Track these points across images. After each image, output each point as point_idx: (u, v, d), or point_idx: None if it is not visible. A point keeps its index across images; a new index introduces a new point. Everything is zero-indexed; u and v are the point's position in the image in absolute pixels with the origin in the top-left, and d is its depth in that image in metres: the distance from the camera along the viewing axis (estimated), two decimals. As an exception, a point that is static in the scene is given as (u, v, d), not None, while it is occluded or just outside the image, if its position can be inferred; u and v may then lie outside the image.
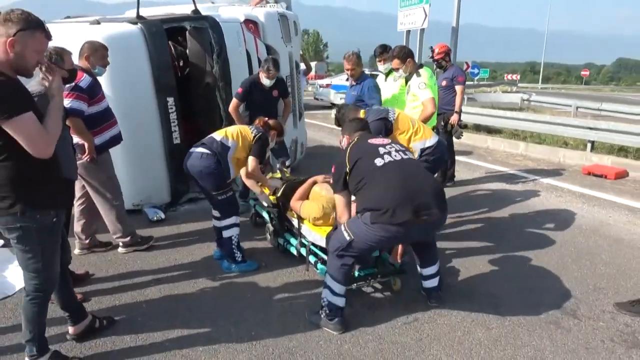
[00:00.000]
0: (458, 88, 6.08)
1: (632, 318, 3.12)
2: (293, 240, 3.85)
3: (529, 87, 40.91)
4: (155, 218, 4.89)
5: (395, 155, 2.89)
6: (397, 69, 4.69)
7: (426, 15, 12.86)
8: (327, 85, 17.24)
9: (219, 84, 5.45)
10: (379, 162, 2.83)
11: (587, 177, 6.97)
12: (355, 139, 3.14)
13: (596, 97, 22.56)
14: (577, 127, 8.35)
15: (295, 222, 3.75)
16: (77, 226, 4.01)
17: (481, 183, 6.68)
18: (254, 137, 3.77)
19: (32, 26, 2.05)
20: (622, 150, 8.16)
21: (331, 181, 3.17)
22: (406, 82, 4.77)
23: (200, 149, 3.66)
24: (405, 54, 4.61)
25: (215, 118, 5.57)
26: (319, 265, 3.44)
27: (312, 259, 3.58)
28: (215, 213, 3.87)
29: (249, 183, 3.91)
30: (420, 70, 4.58)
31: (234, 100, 5.11)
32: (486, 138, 9.87)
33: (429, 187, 2.81)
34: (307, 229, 3.61)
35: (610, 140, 8.03)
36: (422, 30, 13.28)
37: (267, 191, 4.19)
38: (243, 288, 3.51)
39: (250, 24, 5.97)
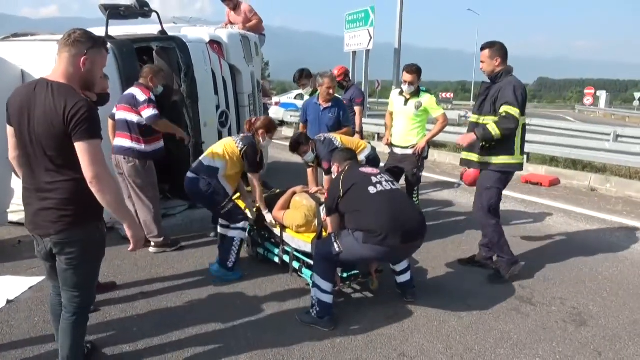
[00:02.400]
0: (357, 109, 6.13)
1: (577, 302, 3.61)
2: (275, 249, 4.06)
3: (463, 105, 43.44)
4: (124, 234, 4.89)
5: (385, 185, 3.20)
6: (409, 84, 4.74)
7: (371, 37, 13.61)
8: (277, 104, 17.59)
9: (187, 102, 5.58)
10: (372, 189, 3.13)
11: (525, 185, 7.70)
12: (347, 168, 3.45)
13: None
14: (513, 141, 9.15)
15: (277, 231, 3.96)
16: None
17: (434, 192, 7.20)
18: (240, 151, 3.90)
19: (99, 44, 2.20)
20: (553, 161, 9.05)
21: (323, 201, 3.57)
22: (406, 101, 4.88)
23: (191, 175, 3.88)
24: (420, 74, 4.79)
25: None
26: (304, 270, 3.69)
27: (295, 264, 3.81)
28: (222, 221, 4.07)
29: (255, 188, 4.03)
30: (424, 94, 4.84)
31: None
32: (432, 152, 10.54)
33: (416, 217, 3.18)
34: (289, 237, 3.84)
35: (543, 152, 8.90)
36: (368, 51, 14.02)
37: (243, 205, 4.36)
38: (231, 297, 3.67)
39: (215, 44, 6.16)
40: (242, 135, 4.09)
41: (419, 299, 3.57)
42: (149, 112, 4.22)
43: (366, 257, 3.20)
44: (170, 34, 5.68)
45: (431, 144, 5.23)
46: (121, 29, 6.33)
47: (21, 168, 2.32)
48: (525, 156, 8.94)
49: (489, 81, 3.91)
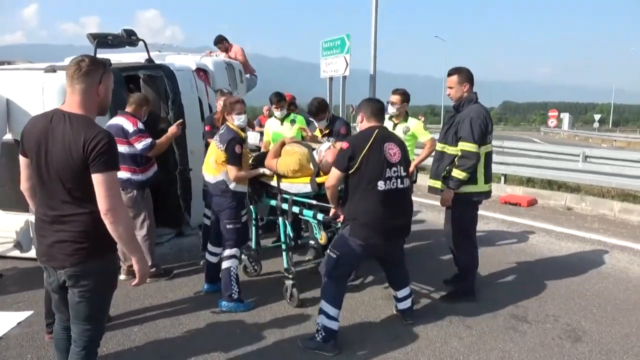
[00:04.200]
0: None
1: (570, 318, 3.72)
2: (273, 202, 4.14)
3: (432, 128, 44.44)
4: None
5: (394, 182, 3.16)
6: (395, 105, 4.87)
7: (347, 64, 13.90)
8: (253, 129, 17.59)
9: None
10: (380, 185, 3.11)
11: (505, 206, 7.92)
12: (376, 134, 3.18)
13: (496, 136, 25.22)
14: (490, 163, 9.44)
15: (273, 182, 4.01)
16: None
17: (421, 214, 7.31)
18: (224, 152, 3.78)
19: (107, 68, 2.21)
20: (530, 181, 9.35)
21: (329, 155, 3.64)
22: (394, 125, 4.97)
23: (214, 194, 3.95)
24: (407, 98, 4.95)
25: (169, 162, 5.65)
26: (305, 212, 3.86)
27: (296, 209, 3.91)
28: (212, 248, 4.07)
29: (241, 180, 3.93)
30: (411, 119, 4.99)
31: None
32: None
33: (406, 219, 3.33)
34: (287, 185, 3.91)
35: (519, 173, 9.19)
36: (344, 77, 14.29)
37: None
38: (230, 325, 3.62)
39: (201, 72, 6.22)
40: (220, 132, 3.95)
41: (419, 320, 3.62)
42: (143, 144, 4.21)
43: (359, 250, 3.19)
44: (156, 61, 5.70)
45: (418, 167, 5.35)
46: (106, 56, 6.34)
47: (34, 199, 2.29)
48: (498, 182, 9.34)
49: (452, 109, 4.02)
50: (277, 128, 5.39)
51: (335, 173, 3.21)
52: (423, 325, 3.57)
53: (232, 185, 3.81)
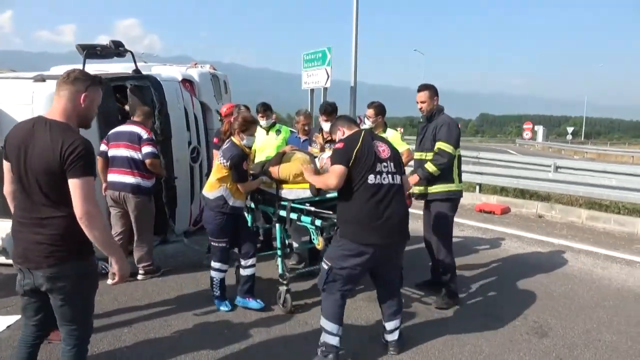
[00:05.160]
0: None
1: (538, 316, 3.98)
2: (271, 209, 4.27)
3: (411, 139, 45.07)
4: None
5: (385, 177, 3.11)
6: (370, 118, 4.91)
7: (328, 76, 14.19)
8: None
9: (160, 139, 5.70)
10: (371, 178, 3.06)
11: (480, 214, 8.25)
12: (363, 134, 3.21)
13: (472, 147, 25.92)
14: (467, 172, 9.79)
15: (272, 190, 4.13)
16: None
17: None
18: (228, 167, 3.83)
19: (96, 82, 2.32)
20: (503, 190, 9.72)
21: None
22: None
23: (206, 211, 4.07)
24: (382, 111, 4.97)
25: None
26: (303, 218, 3.88)
27: (293, 215, 3.93)
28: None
29: (250, 190, 4.14)
30: (389, 129, 5.05)
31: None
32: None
33: (399, 217, 3.16)
34: (287, 191, 4.02)
35: (494, 183, 9.56)
36: (326, 88, 14.58)
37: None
38: (218, 325, 3.77)
39: (187, 82, 6.37)
40: (223, 147, 3.99)
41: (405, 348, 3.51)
42: (149, 149, 4.55)
43: (351, 257, 3.07)
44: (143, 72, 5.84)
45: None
46: (91, 67, 6.44)
47: (14, 202, 2.36)
48: (473, 191, 9.73)
49: (424, 120, 4.36)
50: (262, 137, 5.56)
51: (338, 170, 3.08)
52: (405, 325, 3.66)
53: (231, 201, 3.91)
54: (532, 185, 9.08)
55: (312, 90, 15.39)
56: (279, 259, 4.20)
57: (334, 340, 3.14)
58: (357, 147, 3.11)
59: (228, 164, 3.82)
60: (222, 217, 3.92)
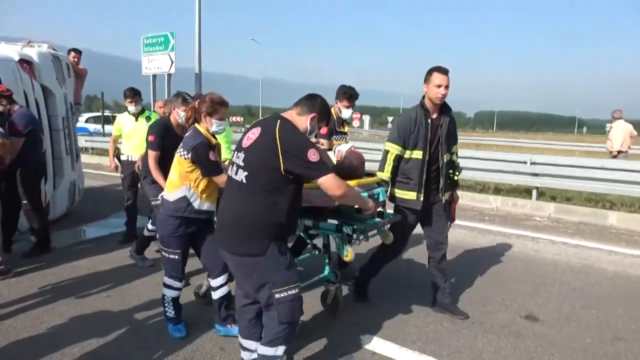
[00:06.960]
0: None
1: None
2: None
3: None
4: None
5: (234, 169, 2.57)
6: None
7: (172, 62, 13.77)
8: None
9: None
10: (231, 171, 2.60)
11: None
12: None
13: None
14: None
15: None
16: None
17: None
18: (191, 162, 3.10)
19: None
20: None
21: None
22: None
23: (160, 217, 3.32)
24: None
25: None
26: (322, 224, 3.40)
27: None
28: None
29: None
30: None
31: (152, 153, 4.15)
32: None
33: (229, 216, 2.55)
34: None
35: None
36: (170, 75, 14.12)
37: None
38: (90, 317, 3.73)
39: (25, 63, 5.77)
40: (185, 136, 3.23)
41: (377, 313, 3.76)
42: None
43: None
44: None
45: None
46: None
47: None
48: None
49: (428, 112, 3.55)
50: (131, 124, 5.40)
51: (336, 179, 2.48)
52: (384, 317, 3.73)
53: (196, 204, 3.17)
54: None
55: (154, 76, 14.72)
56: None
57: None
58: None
59: (189, 156, 3.07)
60: (181, 222, 3.18)
